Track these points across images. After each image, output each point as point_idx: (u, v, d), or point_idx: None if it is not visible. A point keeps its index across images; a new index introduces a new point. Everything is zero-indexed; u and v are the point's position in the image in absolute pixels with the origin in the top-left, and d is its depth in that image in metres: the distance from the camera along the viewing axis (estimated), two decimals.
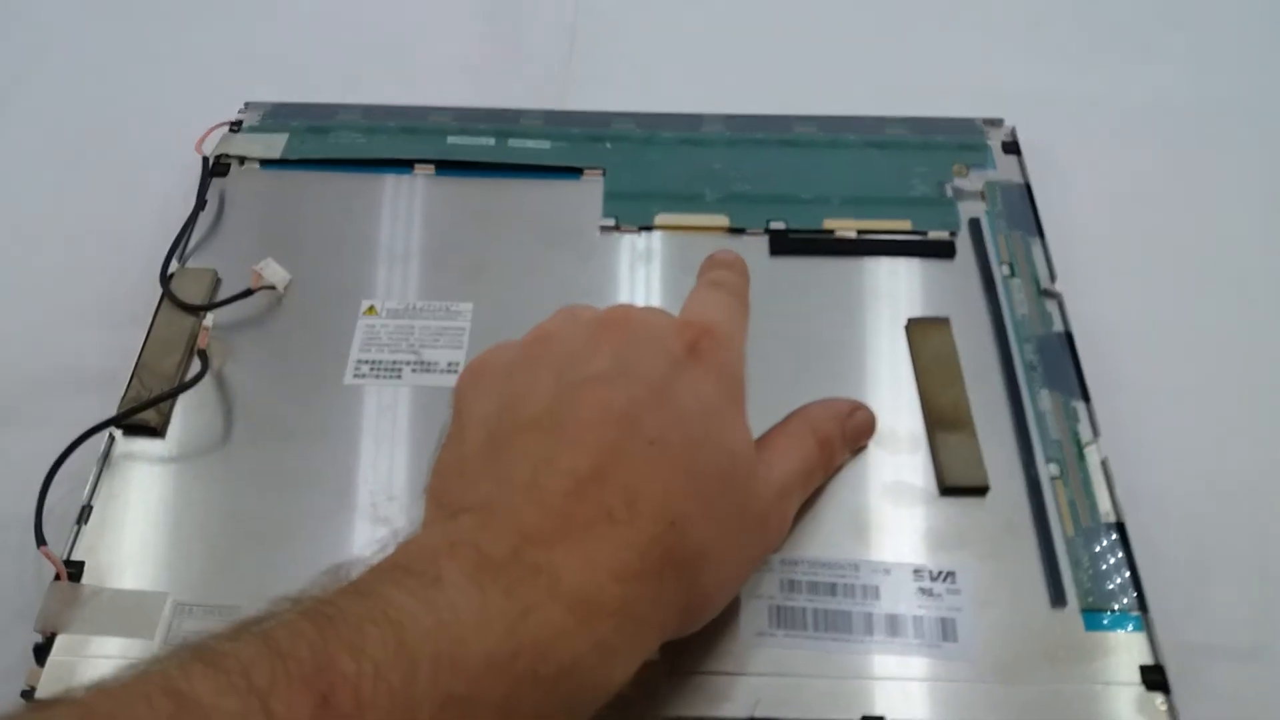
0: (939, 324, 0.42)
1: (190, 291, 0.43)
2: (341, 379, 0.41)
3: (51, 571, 0.35)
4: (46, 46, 0.56)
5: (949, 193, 0.47)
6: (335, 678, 0.22)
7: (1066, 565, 0.36)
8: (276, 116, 0.50)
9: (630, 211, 0.46)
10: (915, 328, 0.42)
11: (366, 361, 0.41)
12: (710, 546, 0.30)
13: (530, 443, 0.30)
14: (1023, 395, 0.40)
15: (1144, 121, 0.52)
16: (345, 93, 0.51)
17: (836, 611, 0.35)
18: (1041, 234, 0.45)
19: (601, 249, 0.45)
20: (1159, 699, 0.33)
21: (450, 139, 0.49)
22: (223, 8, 0.58)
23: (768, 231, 0.45)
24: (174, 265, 0.44)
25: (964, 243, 0.45)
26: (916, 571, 0.36)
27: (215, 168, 0.47)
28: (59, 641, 0.34)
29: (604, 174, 0.47)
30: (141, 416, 0.39)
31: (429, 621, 0.24)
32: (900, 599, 0.35)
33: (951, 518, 0.37)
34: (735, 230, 0.45)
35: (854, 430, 0.38)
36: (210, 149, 0.48)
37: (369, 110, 0.50)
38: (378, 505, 0.37)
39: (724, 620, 0.34)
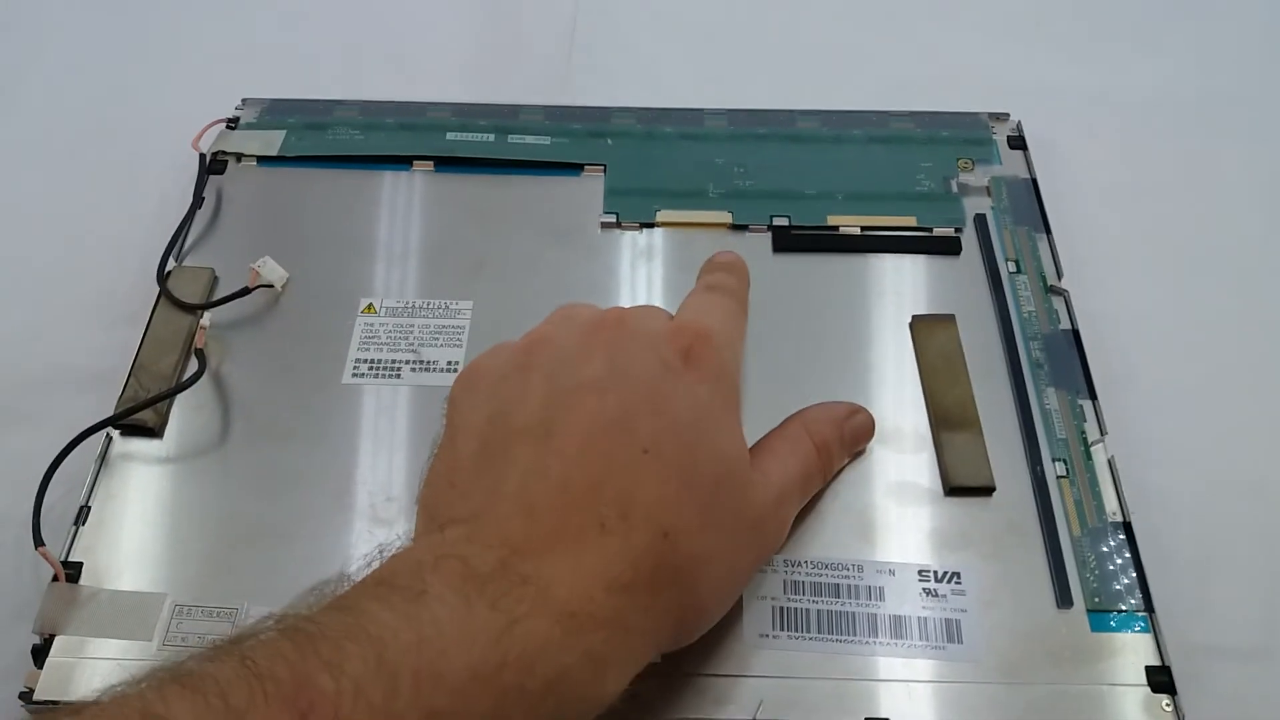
0: (944, 321, 0.41)
1: (187, 290, 0.42)
2: (340, 378, 0.40)
3: (49, 572, 0.35)
4: (43, 43, 0.55)
5: (954, 188, 0.46)
6: (314, 696, 0.22)
7: (1073, 565, 0.35)
8: (274, 113, 0.50)
9: (631, 208, 0.46)
10: (920, 325, 0.41)
11: (365, 360, 0.41)
12: (705, 555, 0.29)
13: (521, 452, 0.29)
14: (1029, 393, 0.40)
15: (1151, 115, 0.51)
16: (343, 89, 0.51)
17: (841, 613, 0.34)
18: (1048, 230, 0.44)
19: (602, 246, 0.45)
20: (1165, 700, 0.33)
21: (449, 135, 0.48)
22: (220, 4, 0.57)
23: (771, 228, 0.45)
24: (171, 264, 0.43)
25: (969, 239, 0.44)
26: (921, 572, 0.35)
27: (212, 165, 0.47)
28: (57, 643, 0.34)
29: (605, 170, 0.47)
30: (139, 417, 0.38)
31: (411, 636, 0.24)
32: (905, 600, 0.35)
33: (957, 518, 0.37)
34: (738, 227, 0.45)
35: (852, 434, 0.37)
36: (207, 146, 0.47)
37: (367, 106, 0.50)
38: (376, 506, 0.37)
39: (727, 622, 0.34)
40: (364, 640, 0.23)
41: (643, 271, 0.44)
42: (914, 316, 0.42)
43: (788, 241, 0.44)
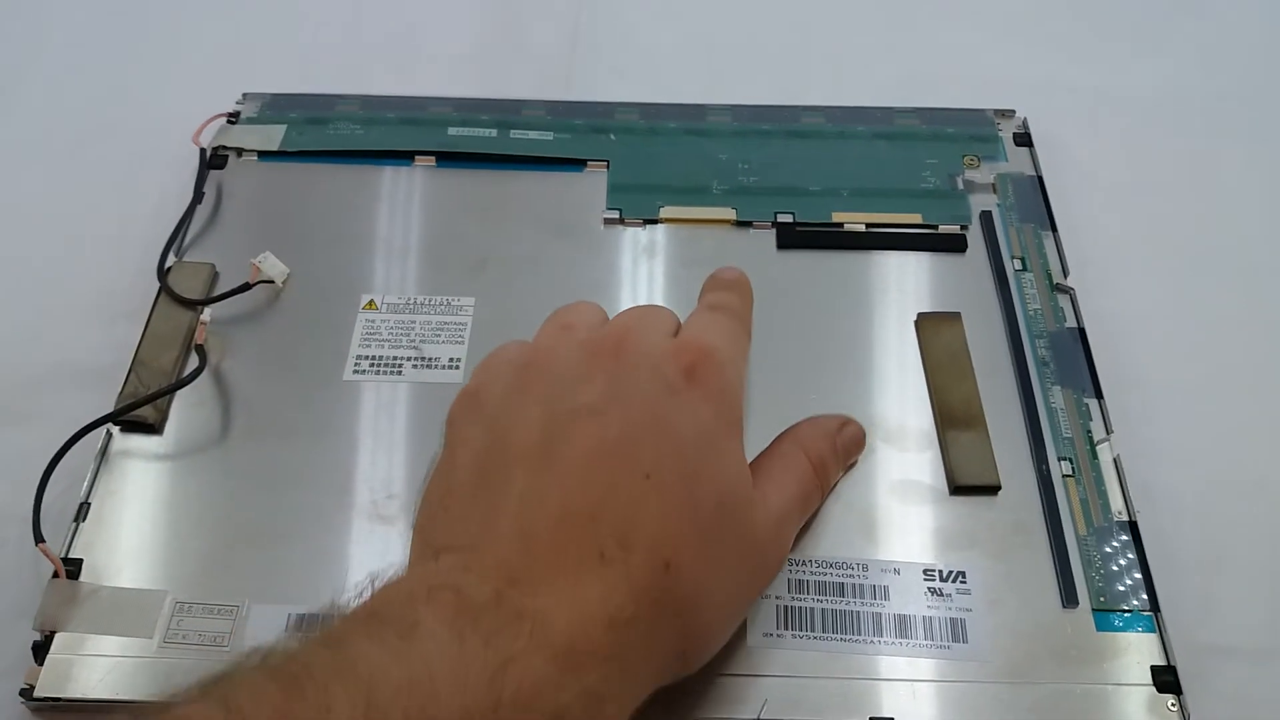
0: (950, 319, 0.41)
1: (188, 286, 0.42)
2: (341, 374, 0.40)
3: (49, 569, 0.35)
4: (43, 39, 0.55)
5: (960, 185, 0.46)
6: None
7: (1078, 565, 0.35)
8: (274, 108, 0.49)
9: (635, 204, 0.45)
10: (925, 322, 0.41)
11: (366, 357, 0.41)
12: (708, 586, 0.28)
13: (519, 477, 0.28)
14: (1035, 392, 0.39)
15: (1157, 113, 0.51)
16: (344, 83, 0.51)
17: (845, 612, 0.34)
18: (1054, 227, 0.44)
19: (605, 242, 0.44)
20: (1170, 700, 0.33)
21: (451, 130, 0.48)
22: None
23: (775, 224, 0.45)
24: (171, 259, 0.43)
25: (975, 236, 0.44)
26: (926, 571, 0.35)
27: (213, 160, 0.47)
28: (58, 640, 0.33)
29: (608, 166, 0.47)
30: (139, 413, 0.38)
31: (401, 676, 0.23)
32: (910, 599, 0.34)
33: (962, 517, 0.36)
34: (742, 223, 0.45)
35: (845, 446, 0.37)
36: (208, 141, 0.47)
37: (368, 101, 0.50)
38: (378, 502, 0.37)
39: None
40: (352, 682, 0.23)
41: (645, 268, 0.44)
42: (919, 314, 0.42)
43: (792, 238, 0.44)
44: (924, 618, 0.34)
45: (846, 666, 0.33)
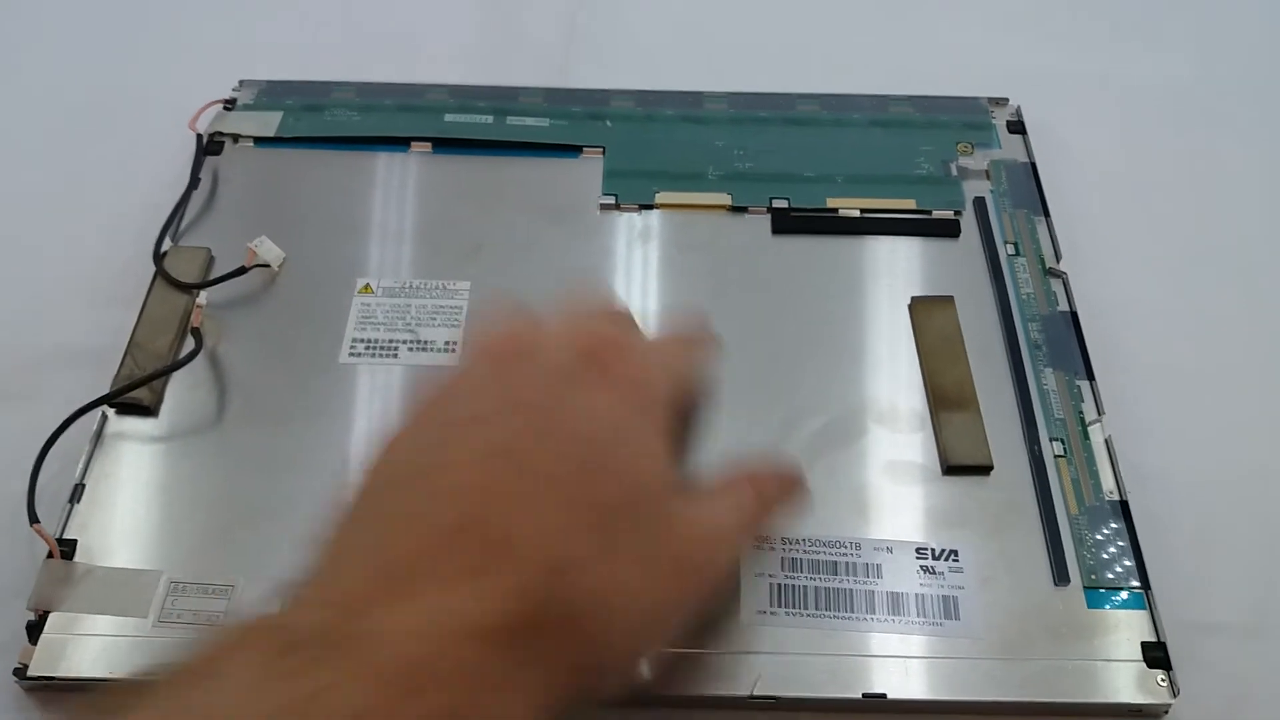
0: (943, 302, 0.41)
1: (184, 270, 0.42)
2: (337, 358, 0.40)
3: (44, 549, 0.35)
4: (40, 24, 0.55)
5: (953, 171, 0.46)
6: None
7: (1070, 543, 0.35)
8: (271, 94, 0.50)
9: (631, 189, 0.45)
10: (919, 306, 0.41)
11: (362, 340, 0.41)
12: (609, 592, 0.25)
13: (392, 500, 0.26)
14: (1027, 374, 0.40)
15: (1149, 101, 0.51)
16: (341, 70, 0.51)
17: (838, 589, 0.34)
18: (1047, 213, 0.44)
19: (601, 227, 0.45)
20: (1160, 675, 0.33)
21: (448, 117, 0.48)
22: None
23: (770, 210, 0.45)
24: (167, 243, 0.43)
25: (969, 222, 0.44)
26: (919, 550, 0.35)
27: (209, 146, 0.47)
28: (52, 619, 0.33)
29: (604, 152, 0.47)
30: (134, 395, 0.38)
31: None
32: (902, 577, 0.35)
33: (955, 496, 0.37)
34: (737, 209, 0.45)
35: (786, 490, 0.33)
36: (204, 127, 0.47)
37: (365, 88, 0.50)
38: None
39: (725, 598, 0.34)
40: None
41: (641, 253, 0.44)
42: (913, 298, 0.42)
43: (787, 223, 0.44)
44: (917, 595, 0.34)
45: (839, 643, 0.33)
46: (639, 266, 0.43)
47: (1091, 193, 0.47)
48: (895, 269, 0.43)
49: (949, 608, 0.34)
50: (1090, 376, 0.39)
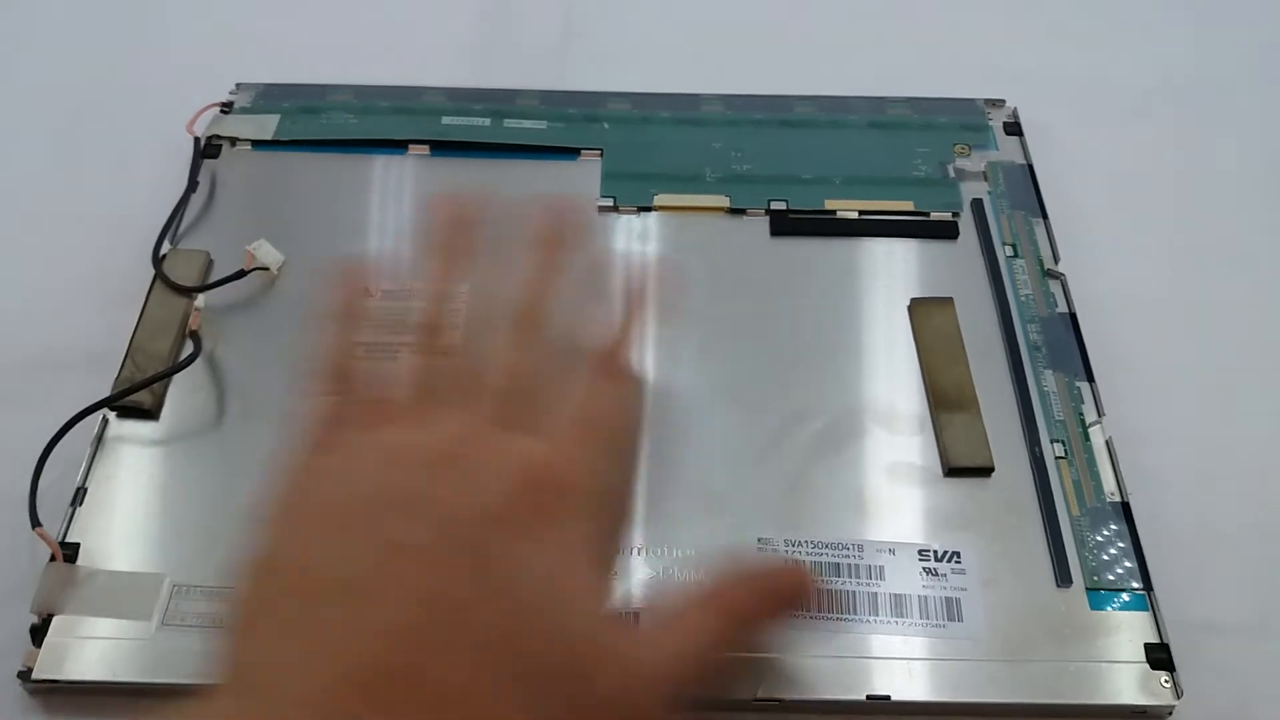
0: (942, 304, 0.42)
1: (183, 273, 0.42)
2: None
3: (46, 553, 0.35)
4: (37, 26, 0.55)
5: (951, 173, 0.46)
6: None
7: (1071, 545, 0.36)
8: (268, 97, 0.49)
9: (629, 192, 0.46)
10: (918, 307, 0.41)
11: (362, 343, 0.41)
12: None
13: (333, 614, 0.23)
14: (1027, 376, 0.40)
15: (1146, 101, 0.51)
16: (337, 73, 0.51)
17: (841, 591, 0.34)
18: (1045, 214, 0.45)
19: (600, 229, 0.45)
20: (1164, 676, 0.33)
21: (445, 119, 0.48)
22: None
23: (768, 212, 0.45)
24: (166, 246, 0.43)
25: (966, 223, 0.45)
26: (921, 552, 0.35)
27: (207, 149, 0.47)
28: (55, 623, 0.33)
29: (601, 154, 0.47)
30: (135, 398, 0.38)
31: None
32: (905, 579, 0.35)
33: (956, 498, 0.37)
34: (735, 211, 0.45)
35: (779, 594, 0.30)
36: (202, 130, 0.47)
37: (361, 90, 0.50)
38: None
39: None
40: None
41: (639, 255, 0.44)
42: (912, 299, 0.42)
43: (785, 225, 0.44)
44: (919, 597, 0.34)
45: (843, 645, 0.33)
46: (638, 268, 0.43)
47: (1089, 194, 0.47)
48: (894, 271, 0.43)
49: (952, 609, 0.34)
50: (1090, 378, 0.40)
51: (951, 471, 0.37)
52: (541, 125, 0.48)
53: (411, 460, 0.27)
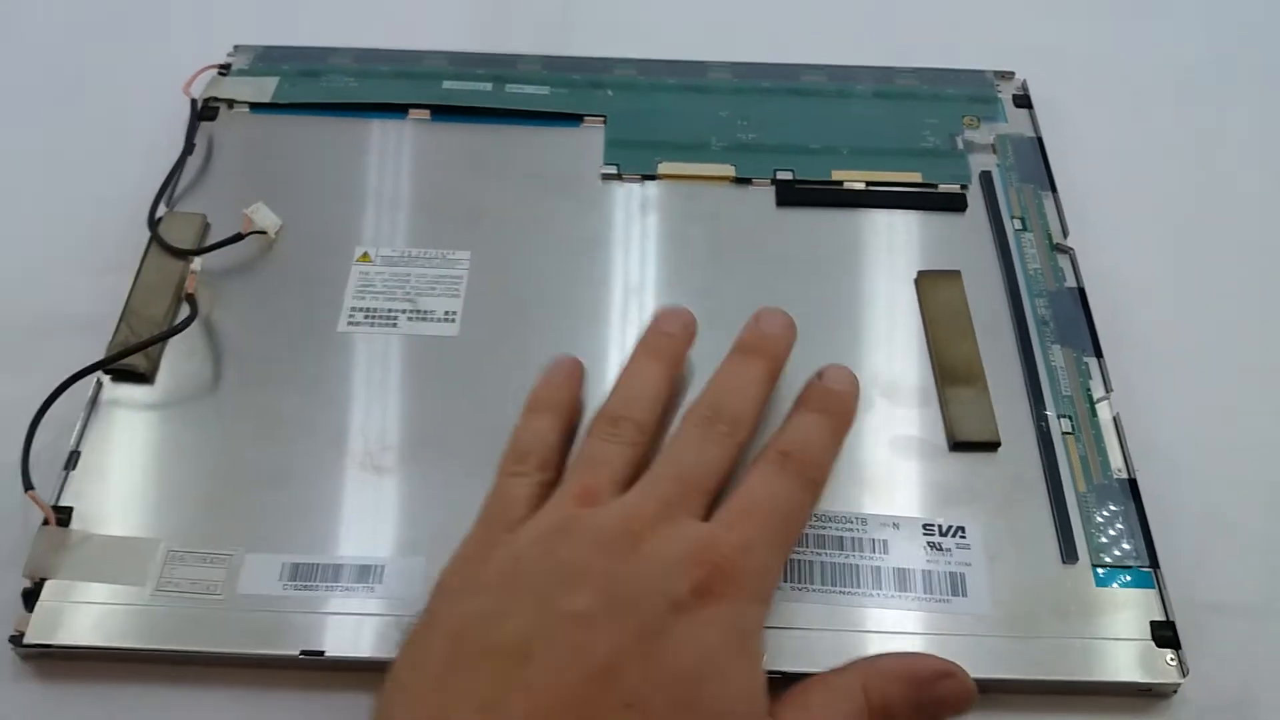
0: (949, 277, 0.41)
1: (179, 236, 0.41)
2: (335, 326, 0.40)
3: (38, 517, 0.34)
4: None
5: (959, 145, 0.46)
6: None
7: (1078, 521, 0.35)
8: (266, 60, 0.49)
9: (632, 159, 0.45)
10: (925, 280, 0.41)
11: (361, 309, 0.40)
12: None
13: (489, 671, 0.26)
14: (1034, 350, 0.39)
15: (1156, 75, 0.51)
16: (337, 36, 0.50)
17: (844, 565, 0.34)
18: (1054, 188, 0.44)
19: (603, 197, 0.44)
20: (1169, 654, 0.33)
21: (446, 84, 0.47)
22: None
23: (774, 182, 0.44)
24: (162, 209, 0.42)
25: (975, 196, 0.44)
26: (926, 526, 0.35)
27: (204, 111, 0.46)
28: (48, 587, 0.33)
29: (605, 121, 0.46)
30: (130, 362, 0.37)
31: None
32: (909, 553, 0.34)
33: (962, 473, 0.36)
34: (741, 180, 0.44)
35: (934, 702, 0.29)
36: (199, 92, 0.46)
37: (362, 54, 0.49)
38: (372, 453, 0.36)
39: None
40: None
41: (642, 224, 0.43)
42: (919, 272, 0.41)
43: (792, 196, 0.44)
44: (923, 572, 0.34)
45: (846, 619, 0.33)
46: (638, 238, 0.43)
47: (1098, 168, 0.46)
48: (901, 243, 0.43)
49: (956, 584, 0.34)
50: (1098, 353, 0.39)
51: (957, 446, 0.37)
52: (544, 91, 0.47)
53: (582, 533, 0.29)
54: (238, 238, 0.41)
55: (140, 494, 0.35)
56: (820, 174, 0.44)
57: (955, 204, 0.44)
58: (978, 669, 0.32)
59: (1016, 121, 0.47)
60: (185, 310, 0.39)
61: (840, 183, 0.44)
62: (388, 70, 0.48)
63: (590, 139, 0.46)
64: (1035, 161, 0.45)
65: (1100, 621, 0.33)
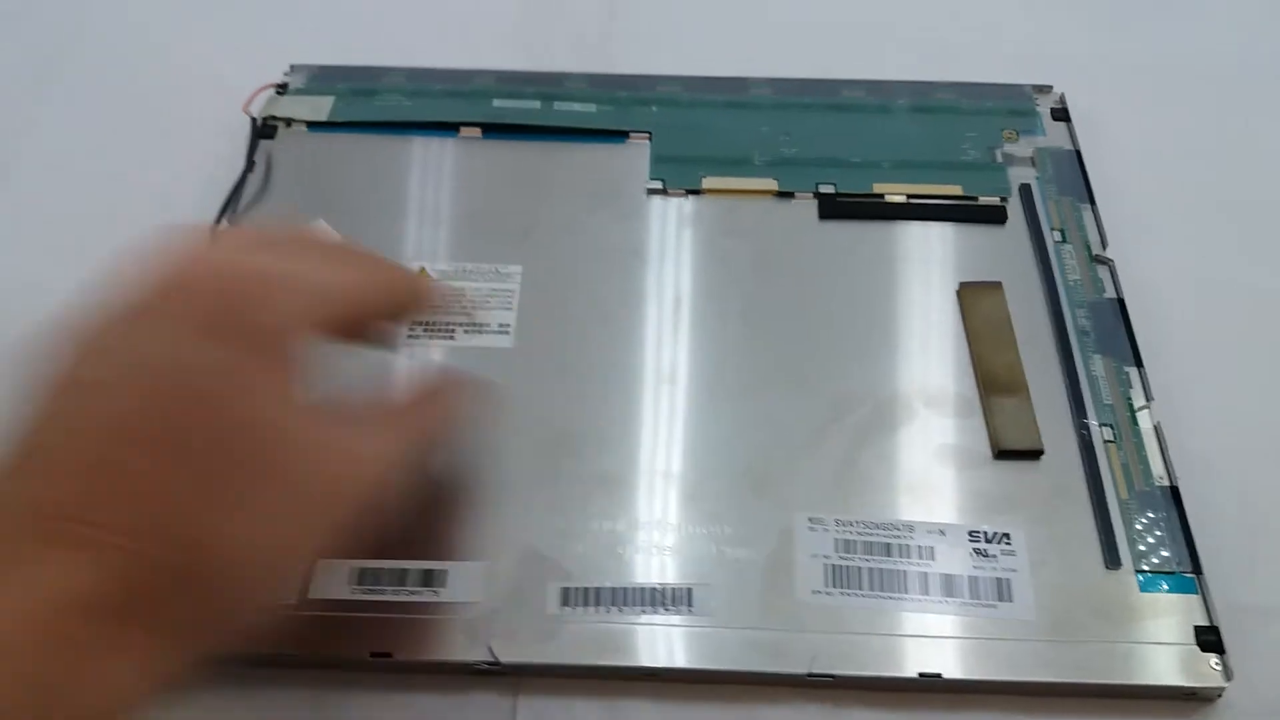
0: (991, 288, 0.42)
1: None
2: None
3: None
4: (93, 8, 0.55)
5: (999, 158, 0.46)
6: None
7: (1120, 528, 0.36)
8: (322, 79, 0.50)
9: (677, 174, 0.46)
10: (967, 291, 0.42)
11: (420, 322, 0.41)
12: (220, 545, 0.25)
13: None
14: (1075, 360, 0.40)
15: (1193, 85, 0.51)
16: (389, 55, 0.51)
17: (892, 571, 0.35)
18: (1092, 200, 0.45)
19: (648, 211, 0.45)
20: (1213, 659, 0.33)
21: (495, 102, 0.49)
22: None
23: (817, 195, 0.45)
24: (223, 226, 0.44)
25: (1014, 209, 0.45)
26: (972, 533, 0.36)
27: (263, 129, 0.48)
28: None
29: (650, 137, 0.47)
30: None
31: None
32: (955, 559, 0.35)
33: (1005, 481, 0.37)
34: (784, 194, 0.45)
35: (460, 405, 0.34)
36: (258, 110, 0.48)
37: (414, 74, 0.50)
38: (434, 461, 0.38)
39: (781, 578, 0.34)
40: None
41: (688, 237, 0.44)
42: (961, 283, 0.42)
43: (834, 209, 0.45)
44: (970, 577, 0.35)
45: (894, 623, 0.34)
46: (687, 250, 0.44)
47: (1136, 179, 0.47)
48: (942, 255, 0.44)
49: (1002, 590, 0.35)
50: (1138, 363, 0.40)
51: (1001, 454, 0.38)
52: (591, 108, 0.49)
53: (126, 305, 0.28)
54: None
55: None
56: (861, 187, 0.45)
57: (995, 216, 0.44)
58: (1023, 673, 0.33)
59: (1055, 135, 0.48)
60: None
61: (881, 196, 0.45)
62: (439, 89, 0.49)
63: (636, 155, 0.47)
64: (1074, 174, 0.46)
65: (1144, 626, 0.34)
